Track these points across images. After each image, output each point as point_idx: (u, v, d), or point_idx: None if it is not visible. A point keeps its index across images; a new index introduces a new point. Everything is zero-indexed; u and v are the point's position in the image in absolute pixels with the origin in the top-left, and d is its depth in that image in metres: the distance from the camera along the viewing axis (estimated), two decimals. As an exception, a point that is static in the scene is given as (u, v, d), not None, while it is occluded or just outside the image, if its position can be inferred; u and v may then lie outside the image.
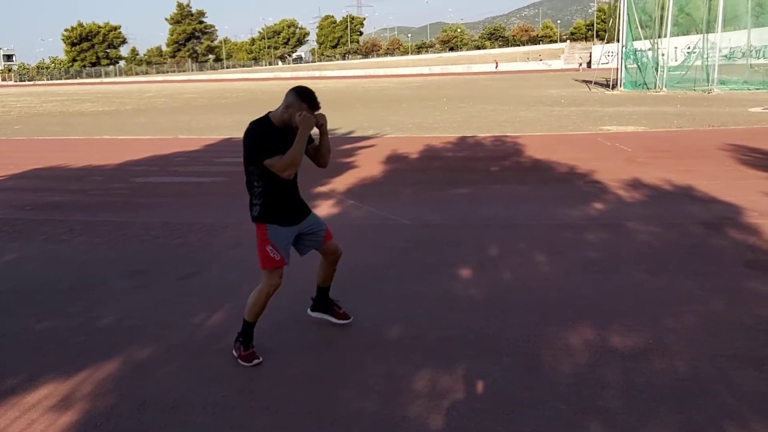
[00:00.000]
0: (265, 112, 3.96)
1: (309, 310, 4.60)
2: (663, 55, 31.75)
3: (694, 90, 29.88)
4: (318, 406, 3.50)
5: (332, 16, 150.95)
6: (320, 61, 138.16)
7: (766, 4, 31.33)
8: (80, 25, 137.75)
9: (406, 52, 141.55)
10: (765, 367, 3.71)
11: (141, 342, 4.38)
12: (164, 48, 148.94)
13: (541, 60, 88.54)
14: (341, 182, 10.20)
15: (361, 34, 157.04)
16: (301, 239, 4.16)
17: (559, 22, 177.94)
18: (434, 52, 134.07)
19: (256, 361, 4.01)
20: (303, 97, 3.82)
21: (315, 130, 3.93)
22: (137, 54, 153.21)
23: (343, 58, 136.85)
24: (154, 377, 3.89)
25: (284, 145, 3.80)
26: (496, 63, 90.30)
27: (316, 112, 3.86)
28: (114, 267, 6.15)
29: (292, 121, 3.82)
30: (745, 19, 31.58)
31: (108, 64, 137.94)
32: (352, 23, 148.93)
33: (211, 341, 4.37)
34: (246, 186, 4.03)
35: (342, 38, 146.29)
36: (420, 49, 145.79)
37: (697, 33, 33.32)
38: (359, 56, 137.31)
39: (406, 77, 74.85)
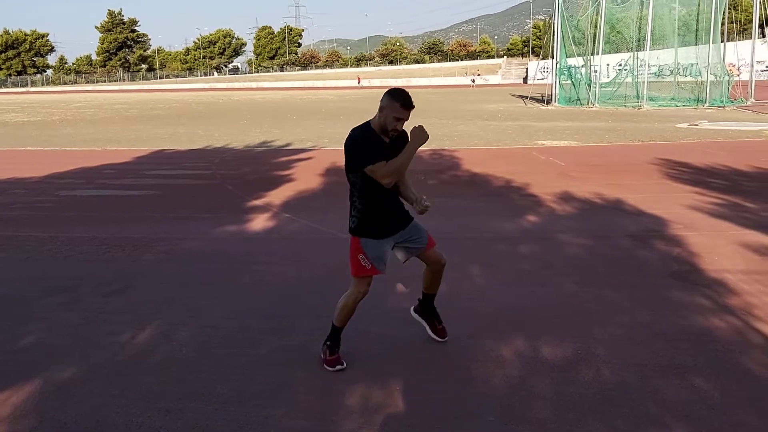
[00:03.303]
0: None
1: (411, 309, 4.50)
2: (595, 71, 32.83)
3: (625, 106, 30.97)
4: (247, 424, 3.41)
5: (270, 27, 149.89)
6: (257, 72, 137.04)
7: (691, 25, 32.83)
8: (6, 32, 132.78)
9: (345, 65, 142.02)
10: (686, 375, 3.83)
11: (63, 361, 4.21)
12: (94, 57, 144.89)
13: (479, 75, 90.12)
14: (277, 195, 10.08)
15: (300, 45, 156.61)
16: (401, 247, 4.12)
17: (496, 37, 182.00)
18: (374, 65, 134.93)
19: (339, 367, 4.00)
20: (395, 97, 3.78)
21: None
22: (66, 63, 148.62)
23: (281, 69, 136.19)
24: (75, 398, 3.73)
25: (385, 152, 3.79)
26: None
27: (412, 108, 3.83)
28: (37, 284, 5.90)
29: (386, 123, 3.79)
30: (672, 39, 33.02)
31: (35, 73, 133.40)
32: (291, 35, 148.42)
33: (137, 360, 4.23)
34: (349, 196, 4.04)
35: (280, 49, 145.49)
36: (359, 61, 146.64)
37: (628, 51, 34.68)
38: (298, 68, 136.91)
39: (346, 89, 75.01)
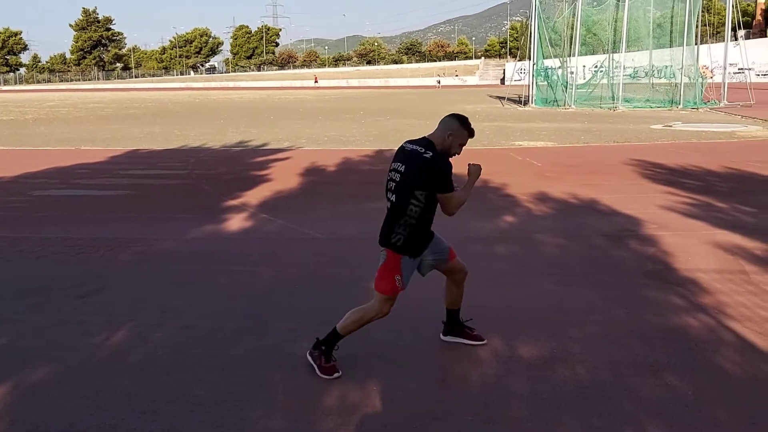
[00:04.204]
0: (424, 137, 3.92)
1: (441, 335, 4.45)
2: (572, 73, 33.10)
3: (601, 107, 31.24)
4: (223, 426, 3.39)
5: (247, 27, 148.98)
6: (234, 71, 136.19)
7: (666, 27, 33.25)
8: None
9: (323, 65, 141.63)
10: (660, 373, 3.88)
11: (35, 364, 4.14)
12: (68, 55, 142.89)
13: (457, 76, 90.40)
14: (254, 195, 10.03)
15: (277, 45, 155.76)
16: (424, 261, 4.09)
17: (473, 38, 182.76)
18: (352, 65, 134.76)
19: (336, 375, 3.89)
20: (465, 126, 3.88)
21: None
22: (39, 61, 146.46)
23: (259, 69, 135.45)
24: (48, 400, 3.68)
25: None
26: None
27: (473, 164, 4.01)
28: (8, 285, 5.80)
29: (452, 149, 3.86)
30: (646, 41, 33.42)
31: (7, 72, 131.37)
32: (268, 34, 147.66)
33: (111, 362, 4.18)
34: (396, 208, 3.86)
35: (257, 49, 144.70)
36: (337, 61, 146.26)
37: (604, 53, 35.02)
38: (275, 67, 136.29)
39: (323, 89, 74.86)
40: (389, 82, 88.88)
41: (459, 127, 3.85)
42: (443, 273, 4.25)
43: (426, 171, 3.77)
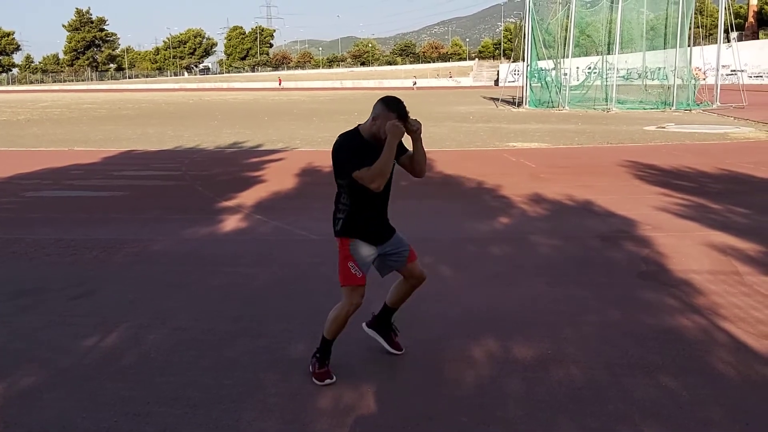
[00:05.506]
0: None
1: (364, 325, 4.31)
2: (565, 74, 33.18)
3: (594, 109, 31.35)
4: (217, 428, 3.38)
5: (241, 27, 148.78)
6: (228, 72, 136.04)
7: (659, 29, 33.40)
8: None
9: (317, 65, 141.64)
10: (654, 374, 3.89)
11: (27, 366, 4.12)
12: (61, 56, 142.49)
13: (450, 77, 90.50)
14: (248, 196, 10.01)
15: (271, 46, 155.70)
16: (384, 259, 3.97)
17: (467, 40, 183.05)
18: (346, 66, 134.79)
19: (328, 381, 3.84)
20: (390, 107, 3.68)
21: (408, 138, 3.77)
22: (32, 61, 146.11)
23: (252, 70, 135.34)
24: (41, 403, 3.66)
25: (373, 158, 3.64)
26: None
27: (408, 120, 3.71)
28: (1, 287, 5.77)
29: (380, 132, 3.66)
30: (640, 43, 33.57)
31: (0, 72, 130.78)
32: (262, 35, 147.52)
33: (103, 364, 4.16)
34: (334, 200, 3.87)
35: (251, 50, 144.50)
36: (331, 62, 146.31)
37: (597, 54, 35.15)
38: (269, 68, 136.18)
39: (318, 90, 74.83)
40: (383, 84, 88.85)
41: (383, 109, 3.67)
42: (402, 275, 4.11)
43: (332, 156, 3.77)
